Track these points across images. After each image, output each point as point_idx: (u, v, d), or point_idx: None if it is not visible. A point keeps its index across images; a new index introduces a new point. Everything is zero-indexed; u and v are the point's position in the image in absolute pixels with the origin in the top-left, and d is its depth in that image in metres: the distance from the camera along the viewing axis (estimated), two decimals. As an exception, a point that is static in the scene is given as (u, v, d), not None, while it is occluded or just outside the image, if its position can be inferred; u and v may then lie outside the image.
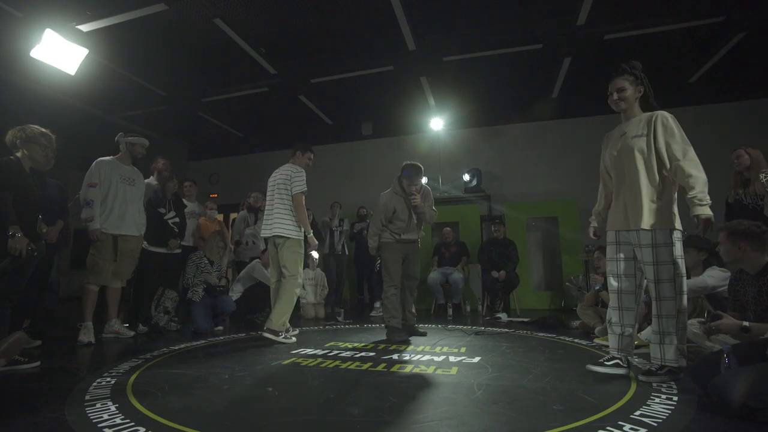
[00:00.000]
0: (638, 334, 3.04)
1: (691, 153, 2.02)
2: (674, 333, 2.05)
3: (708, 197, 1.94)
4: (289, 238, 3.44)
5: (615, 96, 2.24)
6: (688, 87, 5.91)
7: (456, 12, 4.45)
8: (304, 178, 3.51)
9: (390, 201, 3.56)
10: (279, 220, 3.46)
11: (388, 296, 3.47)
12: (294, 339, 3.44)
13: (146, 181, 4.18)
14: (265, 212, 3.60)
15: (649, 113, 2.18)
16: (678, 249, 2.06)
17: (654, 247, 2.06)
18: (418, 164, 3.55)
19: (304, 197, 3.48)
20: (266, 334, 3.31)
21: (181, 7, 4.10)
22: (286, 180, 3.50)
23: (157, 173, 4.32)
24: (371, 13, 4.36)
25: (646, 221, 2.07)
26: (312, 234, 3.58)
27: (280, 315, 3.38)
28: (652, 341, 2.13)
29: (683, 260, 2.08)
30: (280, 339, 3.33)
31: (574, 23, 4.48)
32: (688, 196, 1.97)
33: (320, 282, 5.42)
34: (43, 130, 2.70)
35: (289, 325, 3.54)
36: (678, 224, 2.08)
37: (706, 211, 1.92)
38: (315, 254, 4.35)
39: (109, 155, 3.74)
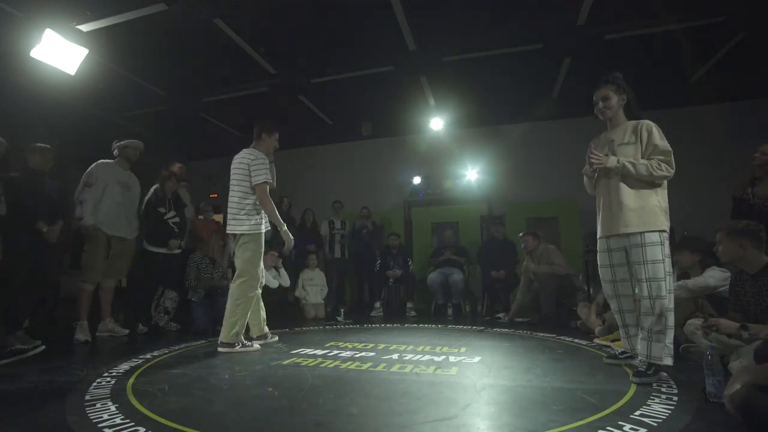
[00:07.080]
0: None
1: (672, 161, 2.11)
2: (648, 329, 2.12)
3: (628, 168, 2.14)
4: (241, 234, 3.04)
5: (600, 105, 2.33)
6: (688, 87, 5.90)
7: (456, 12, 4.44)
8: (266, 166, 3.11)
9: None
10: (232, 215, 3.07)
11: None
12: (257, 346, 3.06)
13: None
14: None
15: (634, 121, 2.25)
16: (667, 248, 2.11)
17: (642, 247, 2.11)
18: None
19: (268, 187, 3.07)
20: (220, 349, 2.93)
21: (181, 7, 4.08)
22: (244, 168, 3.10)
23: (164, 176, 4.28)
24: (371, 13, 4.36)
25: (634, 224, 2.14)
26: (285, 228, 3.17)
27: (229, 326, 2.95)
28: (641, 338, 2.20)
29: (669, 260, 2.12)
30: (238, 350, 2.93)
31: (574, 23, 4.48)
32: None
33: (320, 282, 5.42)
34: None
35: (268, 331, 3.35)
36: (665, 226, 2.12)
37: (609, 163, 2.18)
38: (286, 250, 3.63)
39: (109, 157, 3.82)
